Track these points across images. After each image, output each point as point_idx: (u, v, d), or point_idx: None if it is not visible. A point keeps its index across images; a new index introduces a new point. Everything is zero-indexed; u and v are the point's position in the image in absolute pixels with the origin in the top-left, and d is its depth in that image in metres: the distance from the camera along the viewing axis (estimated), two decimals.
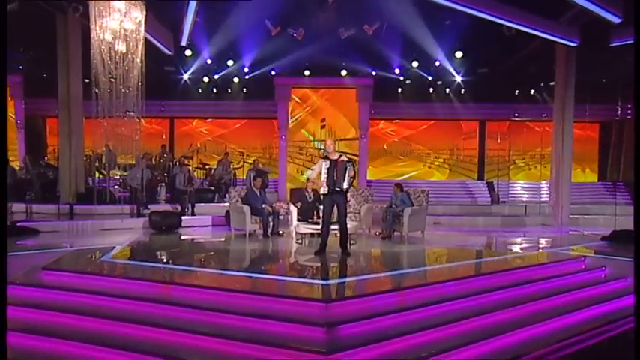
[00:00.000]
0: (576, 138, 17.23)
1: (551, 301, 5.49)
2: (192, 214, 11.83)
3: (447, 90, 17.19)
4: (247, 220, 9.63)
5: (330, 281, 5.71)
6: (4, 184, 5.42)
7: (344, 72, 16.43)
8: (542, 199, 14.72)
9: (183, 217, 10.97)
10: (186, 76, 16.95)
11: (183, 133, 17.89)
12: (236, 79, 17.13)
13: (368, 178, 16.74)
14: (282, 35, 13.03)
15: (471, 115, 17.45)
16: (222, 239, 9.75)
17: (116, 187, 12.69)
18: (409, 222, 9.30)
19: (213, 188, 13.62)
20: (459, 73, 16.66)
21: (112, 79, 10.20)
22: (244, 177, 14.56)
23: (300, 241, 8.84)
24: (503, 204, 15.27)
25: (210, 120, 17.97)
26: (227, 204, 11.76)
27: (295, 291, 5.19)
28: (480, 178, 17.79)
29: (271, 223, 9.69)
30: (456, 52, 15.39)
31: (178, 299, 4.96)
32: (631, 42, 11.88)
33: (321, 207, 9.69)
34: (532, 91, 16.78)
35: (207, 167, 14.99)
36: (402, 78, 16.86)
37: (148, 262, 6.82)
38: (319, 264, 6.88)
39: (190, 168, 13.50)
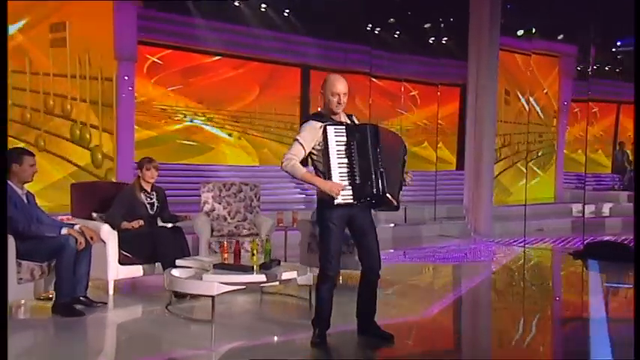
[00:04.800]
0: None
1: None
2: None
3: (264, 6, 14.11)
4: (11, 274, 5.04)
5: None
6: (4, 185, 5.01)
7: None
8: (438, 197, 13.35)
9: None
10: None
11: None
12: None
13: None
14: None
15: (290, 56, 14.88)
16: None
17: None
18: None
19: None
20: None
21: None
22: None
23: (171, 308, 5.72)
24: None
25: None
26: None
27: None
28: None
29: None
30: None
31: None
32: None
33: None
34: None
35: None
36: None
37: None
38: None
39: None
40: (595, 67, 17.58)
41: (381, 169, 4.49)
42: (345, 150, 4.50)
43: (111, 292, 6.11)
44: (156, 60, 13.91)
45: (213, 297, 5.25)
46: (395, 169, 4.64)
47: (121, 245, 6.13)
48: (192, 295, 5.81)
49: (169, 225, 6.46)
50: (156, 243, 6.07)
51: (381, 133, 4.63)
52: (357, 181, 4.48)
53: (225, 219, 7.49)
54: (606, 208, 14.43)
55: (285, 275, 5.49)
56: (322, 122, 4.53)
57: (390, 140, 4.70)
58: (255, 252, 5.66)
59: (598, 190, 16.86)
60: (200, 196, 7.65)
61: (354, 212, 4.62)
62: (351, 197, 4.48)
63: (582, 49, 15.76)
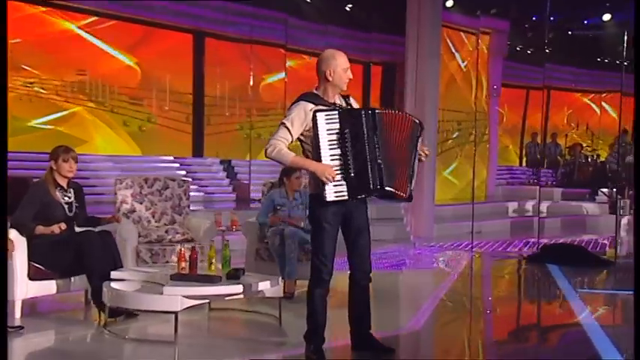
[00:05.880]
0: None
1: None
2: None
3: None
4: None
5: None
6: (5, 185, 5.20)
7: None
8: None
9: None
10: None
11: None
12: None
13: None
14: None
15: (180, 19, 14.31)
16: None
17: None
18: None
19: None
20: None
21: None
22: None
23: (110, 329, 5.54)
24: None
25: None
26: None
27: None
28: (199, 153, 14.99)
29: None
30: None
31: None
32: None
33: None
34: None
35: None
36: None
37: None
38: None
39: None
40: (520, 48, 18.05)
41: (379, 161, 4.53)
42: (338, 140, 4.51)
43: (18, 314, 5.72)
44: None
45: (176, 313, 5.12)
46: (403, 157, 4.64)
47: (32, 256, 5.72)
48: (128, 314, 5.62)
49: (96, 229, 6.04)
50: (81, 252, 5.67)
51: (383, 117, 4.63)
52: (352, 175, 4.51)
53: (150, 221, 6.95)
54: (544, 207, 14.89)
55: (259, 285, 5.50)
56: (315, 104, 4.53)
57: (395, 124, 4.67)
58: (213, 260, 5.66)
59: (526, 185, 17.31)
60: (114, 194, 7.25)
61: (350, 209, 4.71)
62: (345, 194, 4.50)
63: (515, 24, 16.17)
